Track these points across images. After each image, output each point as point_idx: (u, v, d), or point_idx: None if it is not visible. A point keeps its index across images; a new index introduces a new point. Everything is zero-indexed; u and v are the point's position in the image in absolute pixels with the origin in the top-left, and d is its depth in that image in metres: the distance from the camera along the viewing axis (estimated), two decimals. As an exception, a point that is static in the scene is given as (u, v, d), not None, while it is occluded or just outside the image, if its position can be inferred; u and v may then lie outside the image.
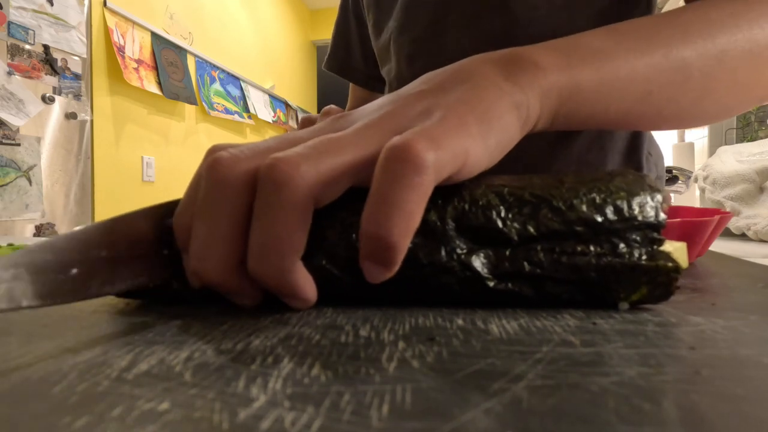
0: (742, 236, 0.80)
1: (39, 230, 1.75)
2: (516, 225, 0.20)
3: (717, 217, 0.32)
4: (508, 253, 0.20)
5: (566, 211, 0.20)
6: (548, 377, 0.12)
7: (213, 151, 0.21)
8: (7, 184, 1.64)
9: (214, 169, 0.19)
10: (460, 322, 0.18)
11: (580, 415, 0.10)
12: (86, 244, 0.19)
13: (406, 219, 0.17)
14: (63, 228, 1.85)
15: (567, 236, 0.20)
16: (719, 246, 0.67)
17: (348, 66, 0.70)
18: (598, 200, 0.20)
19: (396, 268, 0.17)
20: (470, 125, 0.20)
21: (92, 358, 0.15)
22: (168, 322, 0.19)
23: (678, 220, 0.30)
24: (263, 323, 0.18)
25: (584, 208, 0.20)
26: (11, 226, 1.66)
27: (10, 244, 0.43)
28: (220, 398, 0.11)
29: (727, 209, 0.83)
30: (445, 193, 0.20)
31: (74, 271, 0.18)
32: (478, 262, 0.20)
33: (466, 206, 0.20)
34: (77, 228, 0.19)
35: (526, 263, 0.19)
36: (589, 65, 0.26)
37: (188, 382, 0.12)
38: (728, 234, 0.83)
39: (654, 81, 0.28)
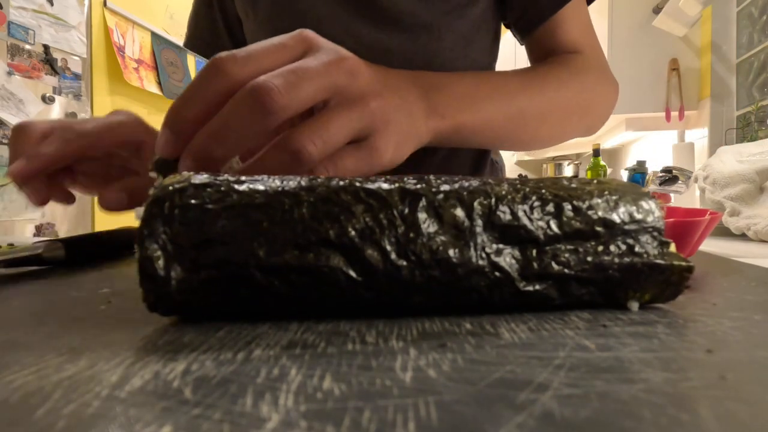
0: (742, 236, 0.80)
1: (39, 230, 1.75)
2: (541, 224, 0.19)
3: (707, 218, 0.32)
4: (535, 252, 0.19)
5: (587, 211, 0.20)
6: (573, 385, 0.12)
7: (230, 62, 0.25)
8: (7, 184, 1.63)
9: (269, 96, 0.23)
10: (468, 326, 0.17)
11: (619, 428, 0.10)
12: None
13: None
14: (63, 228, 1.84)
15: (588, 236, 0.20)
16: (719, 246, 0.67)
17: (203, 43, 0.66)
18: (611, 202, 0.20)
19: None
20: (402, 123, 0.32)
21: (77, 372, 0.13)
22: (156, 327, 0.18)
23: (671, 220, 0.31)
24: (262, 329, 0.17)
25: (602, 208, 0.20)
26: (11, 226, 1.65)
27: (10, 244, 0.43)
28: (228, 419, 0.10)
29: (727, 209, 0.83)
30: (470, 190, 0.20)
31: None
32: (507, 262, 0.19)
33: (493, 203, 0.19)
34: None
35: (553, 263, 0.19)
36: (467, 111, 0.38)
37: (189, 399, 0.11)
38: (728, 234, 0.83)
39: (503, 125, 0.42)
